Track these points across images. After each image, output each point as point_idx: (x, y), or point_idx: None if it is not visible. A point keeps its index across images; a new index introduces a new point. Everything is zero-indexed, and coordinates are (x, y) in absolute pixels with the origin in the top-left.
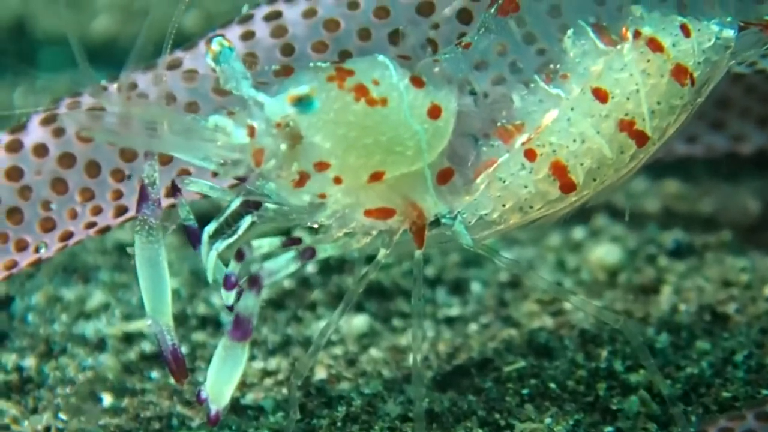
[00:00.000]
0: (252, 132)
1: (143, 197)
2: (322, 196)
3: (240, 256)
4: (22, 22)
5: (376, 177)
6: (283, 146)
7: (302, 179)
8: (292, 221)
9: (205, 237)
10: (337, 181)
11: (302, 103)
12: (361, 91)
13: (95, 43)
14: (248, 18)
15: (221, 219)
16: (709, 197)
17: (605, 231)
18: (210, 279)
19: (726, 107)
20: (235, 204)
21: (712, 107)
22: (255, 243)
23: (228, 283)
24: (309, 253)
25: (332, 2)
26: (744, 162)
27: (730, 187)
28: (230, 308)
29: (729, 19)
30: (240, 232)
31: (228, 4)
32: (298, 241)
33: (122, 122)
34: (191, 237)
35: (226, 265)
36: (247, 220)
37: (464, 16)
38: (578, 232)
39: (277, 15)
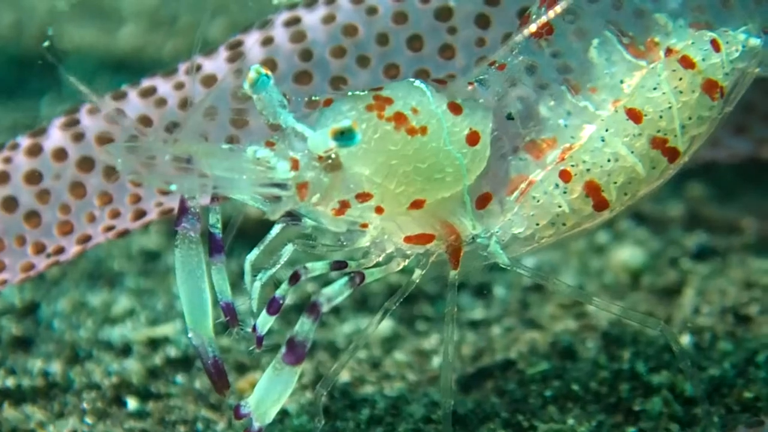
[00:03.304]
0: (295, 165)
1: (183, 210)
2: (364, 225)
3: (295, 278)
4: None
5: (416, 205)
6: (326, 179)
7: (342, 208)
8: (332, 250)
9: (247, 266)
10: (379, 210)
11: (344, 136)
12: (400, 120)
13: (122, 51)
14: (268, 23)
15: (262, 247)
16: (733, 201)
17: (629, 234)
18: (254, 308)
19: (749, 111)
20: (275, 231)
21: (735, 111)
22: (309, 266)
23: (273, 306)
24: (359, 278)
25: (351, 7)
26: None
27: (754, 191)
28: (259, 338)
29: (754, 26)
30: (282, 261)
31: (253, 12)
32: (345, 264)
33: (166, 164)
34: (212, 245)
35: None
36: (288, 249)
37: (482, 22)
38: (602, 236)
39: (297, 20)
